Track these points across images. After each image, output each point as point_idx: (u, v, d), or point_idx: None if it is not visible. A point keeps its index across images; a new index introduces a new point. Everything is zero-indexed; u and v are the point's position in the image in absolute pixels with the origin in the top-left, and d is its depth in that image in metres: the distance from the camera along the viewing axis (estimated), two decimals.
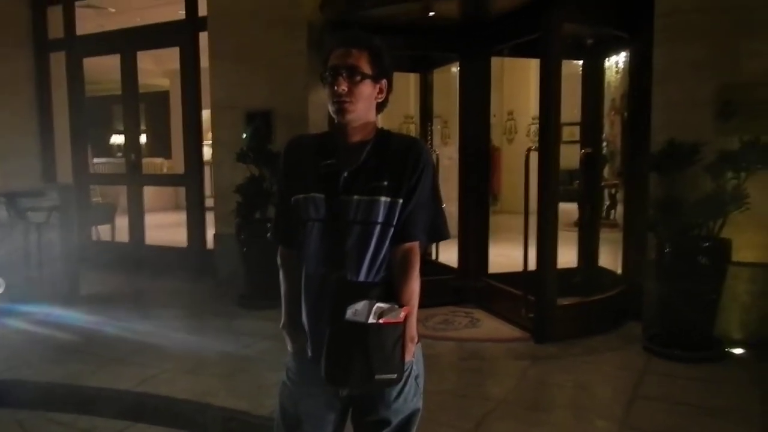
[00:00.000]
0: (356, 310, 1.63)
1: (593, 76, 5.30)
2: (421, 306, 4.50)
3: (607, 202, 8.88)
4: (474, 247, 5.44)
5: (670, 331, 4.12)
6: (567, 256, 5.37)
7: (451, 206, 5.92)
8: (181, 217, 7.27)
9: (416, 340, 1.78)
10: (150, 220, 7.58)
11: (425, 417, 3.13)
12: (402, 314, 1.67)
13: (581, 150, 5.39)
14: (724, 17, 4.14)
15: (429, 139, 6.18)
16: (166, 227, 8.31)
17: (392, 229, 1.72)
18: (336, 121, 1.74)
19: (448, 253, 5.75)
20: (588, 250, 5.39)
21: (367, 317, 1.62)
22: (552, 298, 4.36)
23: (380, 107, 1.78)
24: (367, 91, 1.72)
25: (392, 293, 1.73)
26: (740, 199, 3.85)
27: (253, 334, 4.50)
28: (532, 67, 8.37)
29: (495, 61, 5.41)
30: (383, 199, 1.70)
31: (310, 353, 1.79)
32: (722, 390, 3.54)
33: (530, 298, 4.48)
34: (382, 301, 1.66)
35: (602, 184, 7.67)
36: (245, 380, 3.66)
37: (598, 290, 4.94)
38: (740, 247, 4.05)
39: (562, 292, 4.54)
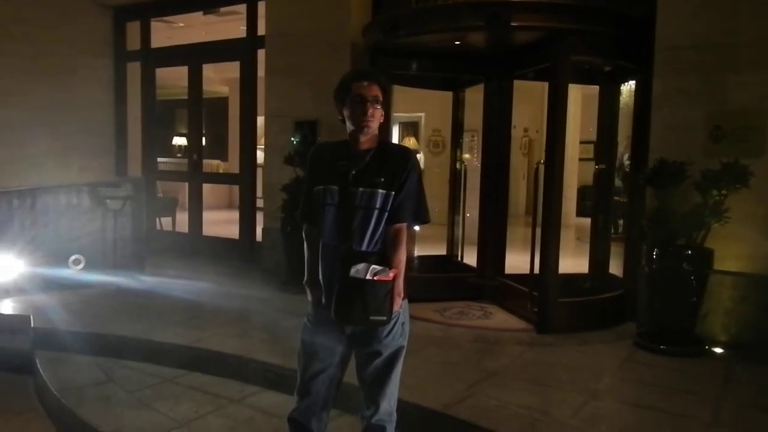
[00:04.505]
0: (357, 270, 2.27)
1: (607, 99, 5.78)
2: (442, 299, 5.54)
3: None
4: (492, 250, 5.97)
5: (656, 328, 4.59)
6: (582, 265, 5.94)
7: (475, 214, 6.50)
8: (233, 215, 8.06)
9: (402, 296, 2.40)
10: (205, 216, 8.36)
11: (428, 378, 3.79)
12: (391, 274, 2.30)
13: (596, 166, 5.93)
14: (715, 53, 4.61)
15: (458, 151, 6.71)
16: (219, 223, 9.09)
17: (387, 214, 2.36)
18: (355, 133, 2.39)
19: (473, 255, 6.23)
20: (598, 258, 5.84)
21: (365, 275, 2.26)
22: (553, 295, 4.87)
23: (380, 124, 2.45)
24: (380, 113, 2.39)
25: (385, 260, 2.36)
26: (719, 213, 4.32)
27: (290, 311, 5.14)
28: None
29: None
30: (380, 191, 2.34)
31: (324, 301, 2.43)
32: (690, 377, 3.99)
33: (535, 294, 5.02)
34: (378, 264, 2.30)
35: (622, 200, 8.11)
36: (281, 344, 4.32)
37: (602, 293, 5.41)
38: (725, 257, 4.50)
39: (573, 293, 5.03)
